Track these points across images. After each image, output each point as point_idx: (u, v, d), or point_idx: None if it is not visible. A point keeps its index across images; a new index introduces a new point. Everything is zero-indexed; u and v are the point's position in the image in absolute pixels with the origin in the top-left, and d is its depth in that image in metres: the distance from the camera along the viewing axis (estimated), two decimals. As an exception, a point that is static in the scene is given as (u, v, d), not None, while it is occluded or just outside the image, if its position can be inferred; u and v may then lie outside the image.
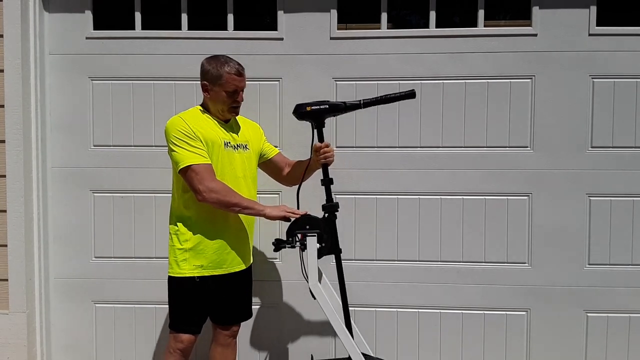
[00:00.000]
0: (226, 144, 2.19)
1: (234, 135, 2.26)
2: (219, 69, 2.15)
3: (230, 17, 2.76)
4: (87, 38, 2.77)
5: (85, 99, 2.79)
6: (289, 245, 2.06)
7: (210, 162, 2.11)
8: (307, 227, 2.07)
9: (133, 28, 2.78)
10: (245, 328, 2.85)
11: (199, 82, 2.23)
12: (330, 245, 2.11)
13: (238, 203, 2.11)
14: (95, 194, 2.81)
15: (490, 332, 2.79)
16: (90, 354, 2.88)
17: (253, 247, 2.37)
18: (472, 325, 2.79)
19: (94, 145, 2.80)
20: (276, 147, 2.74)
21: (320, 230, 2.07)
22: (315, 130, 2.21)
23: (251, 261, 2.37)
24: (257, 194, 2.72)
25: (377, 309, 2.81)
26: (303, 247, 2.04)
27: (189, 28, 2.78)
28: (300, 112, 2.17)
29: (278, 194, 2.76)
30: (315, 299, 2.03)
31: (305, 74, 2.75)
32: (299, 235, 2.05)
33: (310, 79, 2.74)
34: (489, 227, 2.73)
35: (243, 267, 2.28)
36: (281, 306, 2.83)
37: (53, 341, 2.87)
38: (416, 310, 2.79)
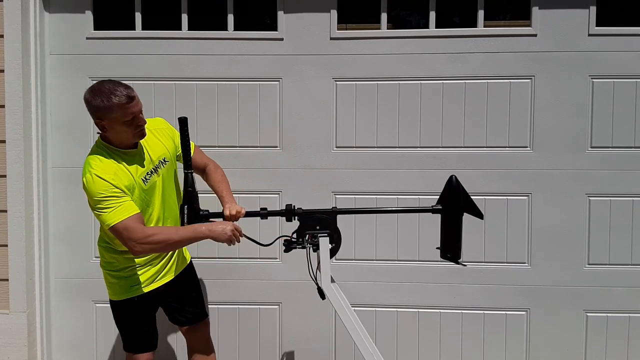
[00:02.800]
0: (145, 180, 2.07)
1: (148, 160, 2.12)
2: (107, 101, 1.92)
3: (230, 17, 2.76)
4: (87, 38, 2.77)
5: (86, 99, 2.79)
6: (300, 246, 2.05)
7: (136, 211, 1.97)
8: (317, 227, 2.06)
9: (133, 28, 2.78)
10: (246, 328, 2.86)
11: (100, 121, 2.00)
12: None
13: (178, 241, 2.01)
14: (95, 194, 2.81)
15: (490, 332, 2.79)
16: (90, 354, 2.89)
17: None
18: (471, 325, 2.79)
19: (94, 145, 2.80)
20: (275, 146, 2.75)
21: (330, 230, 2.06)
22: (210, 219, 2.12)
23: (187, 261, 2.38)
24: (258, 194, 2.74)
25: (377, 309, 2.81)
26: (315, 248, 2.03)
27: (189, 28, 2.78)
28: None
29: (278, 193, 2.76)
30: (323, 299, 2.03)
31: (305, 74, 2.75)
32: (308, 236, 2.04)
33: (310, 79, 2.74)
34: (489, 227, 2.73)
35: (179, 271, 2.29)
36: (281, 306, 2.84)
37: (53, 341, 2.88)
38: (416, 310, 2.80)
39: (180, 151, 2.20)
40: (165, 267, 2.22)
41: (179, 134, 2.17)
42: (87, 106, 2.01)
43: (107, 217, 1.93)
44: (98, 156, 2.01)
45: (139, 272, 2.15)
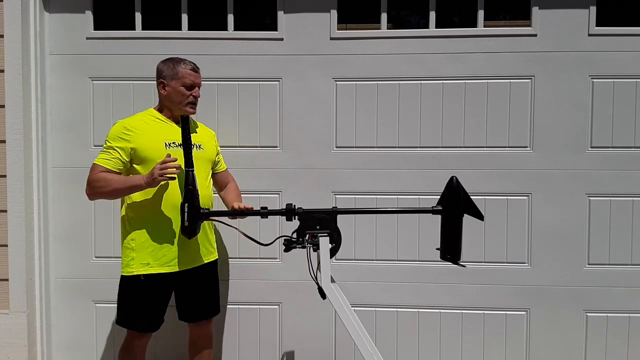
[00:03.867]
0: (168, 144, 2.23)
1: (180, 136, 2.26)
2: (175, 66, 2.27)
3: (230, 17, 2.76)
4: (87, 38, 2.78)
5: (86, 99, 2.79)
6: (300, 246, 2.05)
7: (110, 168, 2.19)
8: (317, 227, 2.05)
9: (133, 28, 2.79)
10: (245, 328, 2.86)
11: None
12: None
13: (116, 189, 2.17)
14: (95, 194, 2.81)
15: (490, 332, 2.79)
16: (90, 354, 2.89)
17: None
18: (471, 325, 2.79)
19: (94, 145, 2.80)
20: (275, 146, 2.76)
21: (330, 230, 2.05)
22: (210, 217, 2.18)
23: (210, 258, 2.38)
24: (258, 194, 2.74)
25: (377, 309, 2.81)
26: (315, 247, 2.03)
27: (189, 28, 2.78)
28: (189, 232, 2.09)
29: (278, 193, 2.76)
30: (324, 299, 2.02)
31: (305, 74, 2.75)
32: (308, 236, 2.04)
33: (310, 79, 2.74)
34: (489, 227, 2.73)
35: (195, 264, 2.30)
36: (281, 306, 2.84)
37: (53, 341, 2.88)
38: (416, 310, 2.80)
39: (215, 159, 2.44)
40: (178, 255, 2.24)
41: (218, 152, 2.49)
42: (156, 72, 2.31)
43: (99, 155, 2.23)
44: (138, 114, 2.34)
45: (150, 252, 2.21)
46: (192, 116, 2.49)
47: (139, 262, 2.21)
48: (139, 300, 2.24)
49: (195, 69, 2.30)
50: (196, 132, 2.38)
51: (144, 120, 2.28)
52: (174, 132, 2.26)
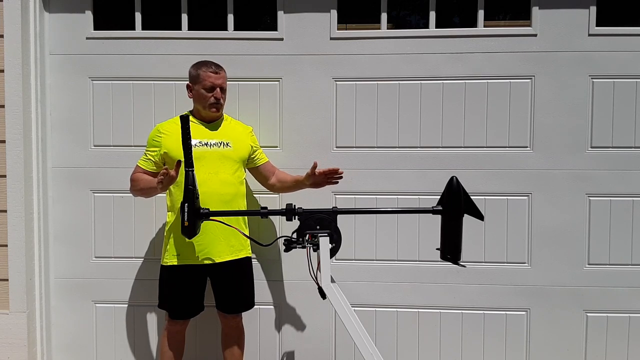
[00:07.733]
0: (195, 144, 2.29)
1: (211, 133, 2.39)
2: (197, 70, 2.37)
3: (230, 17, 2.76)
4: (87, 38, 2.78)
5: (86, 99, 2.79)
6: (300, 246, 2.05)
7: (145, 167, 2.37)
8: (318, 227, 2.05)
9: (133, 28, 2.79)
10: (246, 328, 2.85)
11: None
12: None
13: (141, 189, 2.34)
14: (95, 194, 2.81)
15: (490, 332, 2.79)
16: (90, 354, 2.89)
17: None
18: (472, 325, 2.79)
19: (94, 145, 2.81)
20: (275, 146, 2.76)
21: (331, 230, 2.05)
22: (210, 217, 2.13)
23: (239, 255, 2.40)
24: (259, 194, 2.74)
25: (377, 309, 2.81)
26: (315, 247, 2.03)
27: (189, 28, 2.78)
28: (189, 232, 2.05)
29: (278, 193, 2.76)
30: (324, 299, 2.02)
31: (305, 74, 2.75)
32: (309, 236, 2.04)
33: (310, 79, 2.74)
34: (489, 227, 2.73)
35: (222, 259, 2.35)
36: (281, 306, 2.84)
37: (53, 341, 2.88)
38: (416, 310, 2.80)
39: (249, 157, 2.46)
40: (206, 248, 2.32)
41: (258, 144, 2.55)
42: (188, 77, 2.42)
43: (141, 158, 2.42)
44: (175, 117, 2.40)
45: (179, 244, 2.32)
46: (228, 113, 2.57)
47: (171, 253, 2.34)
48: (170, 289, 2.38)
49: (217, 71, 2.36)
50: (220, 132, 2.41)
51: (177, 123, 2.33)
52: (202, 133, 2.36)
